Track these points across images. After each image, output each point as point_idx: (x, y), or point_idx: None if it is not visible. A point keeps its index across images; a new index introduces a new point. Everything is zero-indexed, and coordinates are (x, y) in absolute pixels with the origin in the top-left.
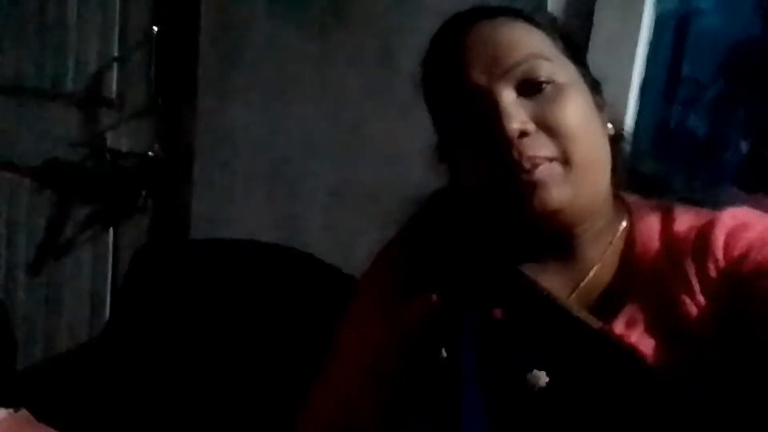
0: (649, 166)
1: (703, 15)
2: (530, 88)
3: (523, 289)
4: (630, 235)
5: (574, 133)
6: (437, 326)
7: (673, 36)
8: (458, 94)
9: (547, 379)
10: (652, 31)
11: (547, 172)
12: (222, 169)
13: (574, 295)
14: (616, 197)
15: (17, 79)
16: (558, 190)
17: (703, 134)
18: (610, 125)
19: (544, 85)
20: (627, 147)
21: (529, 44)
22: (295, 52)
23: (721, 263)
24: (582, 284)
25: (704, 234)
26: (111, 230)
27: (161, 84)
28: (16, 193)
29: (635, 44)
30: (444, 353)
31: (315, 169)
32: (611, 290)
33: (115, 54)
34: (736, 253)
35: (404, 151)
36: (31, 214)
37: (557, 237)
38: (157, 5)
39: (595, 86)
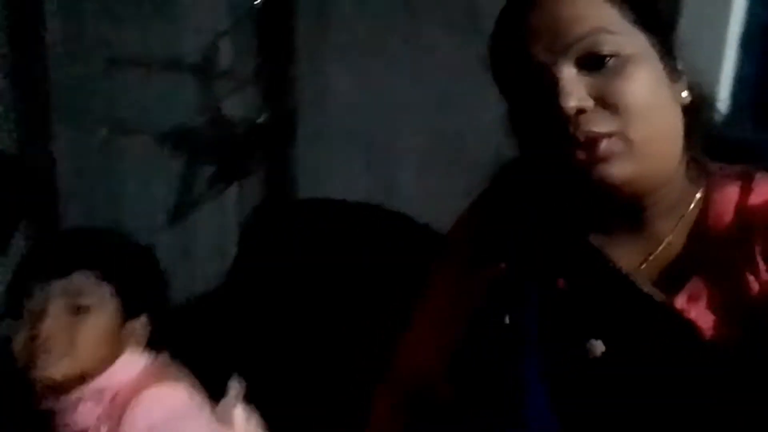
0: (745, 131)
1: None
2: (592, 62)
3: (588, 260)
4: (705, 206)
5: (635, 109)
6: (503, 294)
7: None
8: (521, 70)
9: (603, 348)
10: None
11: (607, 147)
12: (321, 133)
13: (643, 266)
14: (694, 165)
15: (144, 51)
16: (619, 165)
17: None
18: (685, 93)
19: (607, 59)
20: (710, 113)
21: (593, 18)
22: (387, 17)
23: None
24: (652, 256)
25: None
26: (232, 189)
27: (266, 53)
28: (150, 156)
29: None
30: (507, 320)
31: (407, 132)
32: (681, 263)
33: (226, 27)
34: None
35: (493, 114)
36: (166, 174)
37: (627, 208)
38: None
39: (669, 54)
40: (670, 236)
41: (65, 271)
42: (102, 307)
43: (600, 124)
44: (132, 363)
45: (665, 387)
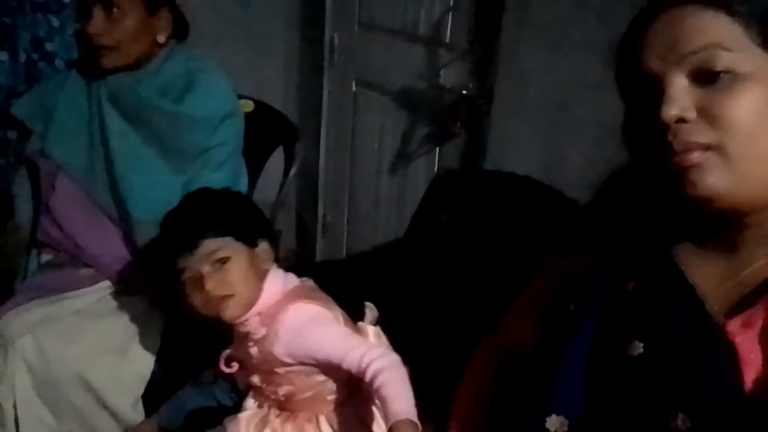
0: None
1: None
2: (705, 77)
3: (662, 268)
4: None
5: (737, 126)
6: (576, 284)
7: None
8: (636, 78)
9: (641, 350)
10: None
11: (702, 158)
12: (512, 109)
13: (721, 286)
14: None
15: (390, 21)
16: (712, 178)
17: None
18: None
19: (721, 75)
20: None
21: (712, 33)
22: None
23: None
24: (735, 279)
25: None
26: (437, 150)
27: (479, 30)
28: (384, 110)
29: None
30: (572, 306)
31: (584, 114)
32: (757, 290)
33: (451, 3)
34: None
35: None
36: (395, 127)
37: (721, 225)
38: None
39: None
40: (759, 263)
41: (195, 239)
42: (236, 252)
43: (698, 135)
44: (277, 280)
45: (688, 399)
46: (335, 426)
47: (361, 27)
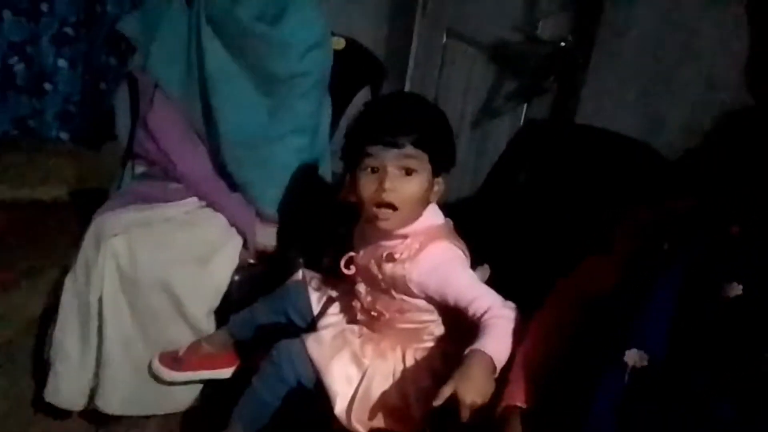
0: None
1: None
2: None
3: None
4: None
5: None
6: (673, 226)
7: None
8: None
9: (740, 292)
10: None
11: None
12: (612, 64)
13: None
14: None
15: None
16: None
17: None
18: None
19: None
20: None
21: None
22: None
23: None
24: None
25: None
26: (525, 104)
27: None
28: (472, 62)
29: None
30: (666, 246)
31: (685, 74)
32: None
33: None
34: None
35: None
36: (482, 80)
37: None
38: None
39: None
40: None
41: (403, 138)
42: (423, 170)
43: None
44: (433, 213)
45: None
46: (420, 363)
47: None
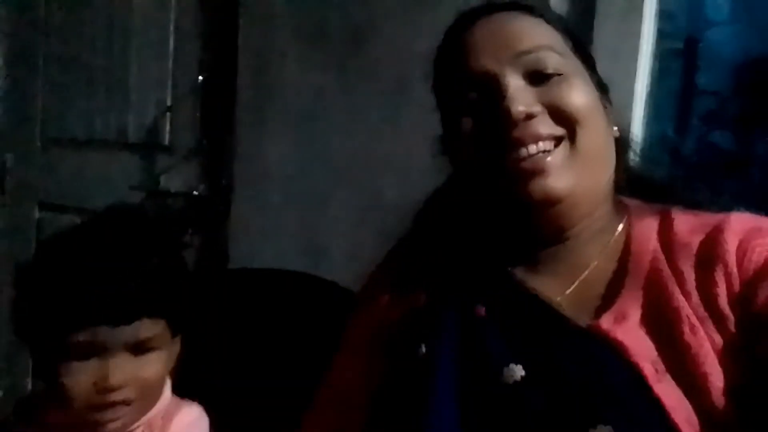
0: (657, 176)
1: (717, 27)
2: (538, 77)
3: (507, 287)
4: (628, 236)
5: (581, 116)
6: (420, 324)
7: (684, 49)
8: (466, 78)
9: (522, 373)
10: (655, 44)
11: (548, 158)
12: (257, 203)
13: (570, 291)
14: (617, 200)
15: (87, 131)
16: (558, 178)
17: (724, 148)
18: (615, 128)
19: (553, 77)
20: (631, 154)
21: (540, 36)
22: (320, 88)
23: (733, 272)
24: (578, 281)
25: (712, 238)
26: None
27: (207, 128)
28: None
29: (635, 57)
30: (423, 349)
31: (340, 197)
32: (608, 286)
33: (168, 103)
34: (752, 265)
35: (424, 172)
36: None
37: (553, 236)
38: (203, 55)
39: (602, 87)
40: (595, 263)
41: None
42: (164, 343)
43: (546, 127)
44: (168, 384)
45: (585, 411)
46: None
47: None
